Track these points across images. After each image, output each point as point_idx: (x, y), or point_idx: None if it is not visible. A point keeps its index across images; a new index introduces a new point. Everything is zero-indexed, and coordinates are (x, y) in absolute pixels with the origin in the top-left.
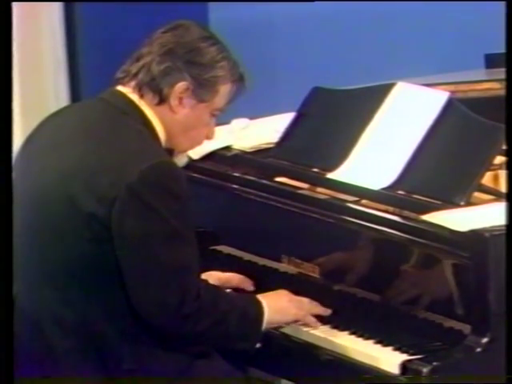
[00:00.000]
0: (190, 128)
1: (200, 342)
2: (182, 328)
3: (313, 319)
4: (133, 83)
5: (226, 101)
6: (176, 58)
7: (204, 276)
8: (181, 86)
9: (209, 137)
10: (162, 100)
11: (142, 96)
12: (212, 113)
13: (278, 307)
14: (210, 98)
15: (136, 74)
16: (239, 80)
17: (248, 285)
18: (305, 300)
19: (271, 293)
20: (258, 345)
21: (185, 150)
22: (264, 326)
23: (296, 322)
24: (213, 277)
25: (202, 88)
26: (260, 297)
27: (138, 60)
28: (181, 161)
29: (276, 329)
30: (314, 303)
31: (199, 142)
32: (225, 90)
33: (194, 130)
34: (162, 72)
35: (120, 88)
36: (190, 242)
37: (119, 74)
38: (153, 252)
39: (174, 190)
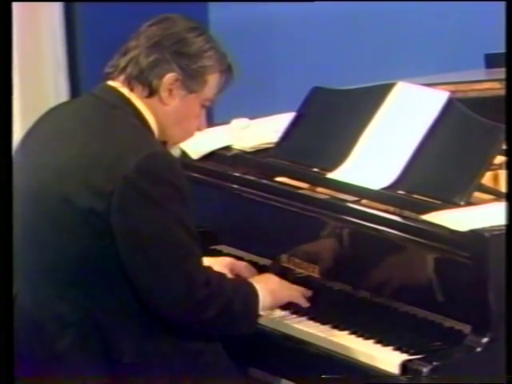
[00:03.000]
0: (182, 119)
1: (207, 330)
2: (192, 316)
3: (303, 299)
4: (122, 77)
5: (216, 91)
6: (163, 50)
7: (216, 260)
8: (170, 77)
9: (200, 128)
10: (151, 92)
11: (131, 89)
12: (202, 103)
13: (270, 290)
14: (199, 88)
15: (124, 68)
16: (227, 70)
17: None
18: (288, 284)
19: (260, 277)
20: (254, 328)
21: (177, 142)
22: (260, 310)
23: (289, 303)
24: (223, 263)
25: (191, 78)
26: (254, 282)
27: (125, 54)
28: (173, 152)
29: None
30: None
31: (191, 134)
32: (213, 80)
33: (185, 121)
34: (150, 64)
35: (110, 83)
36: (190, 228)
37: (108, 69)
38: (154, 241)
39: (170, 179)
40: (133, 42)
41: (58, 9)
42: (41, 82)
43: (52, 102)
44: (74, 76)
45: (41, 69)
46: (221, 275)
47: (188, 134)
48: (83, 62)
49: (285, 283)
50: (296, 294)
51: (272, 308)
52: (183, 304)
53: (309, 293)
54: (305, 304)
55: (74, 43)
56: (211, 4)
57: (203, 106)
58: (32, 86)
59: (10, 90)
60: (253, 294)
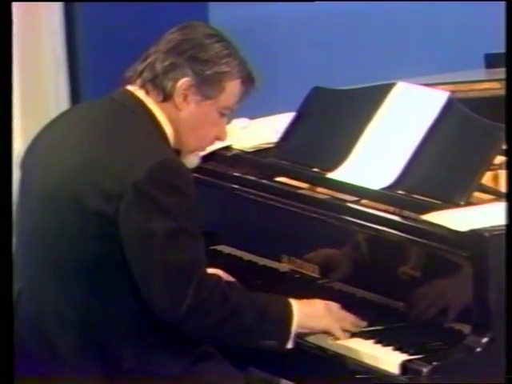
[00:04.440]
0: (197, 126)
1: (216, 338)
2: (190, 320)
3: (342, 333)
4: (139, 81)
5: (235, 99)
6: (179, 55)
7: None
8: (184, 82)
9: (220, 138)
10: (166, 97)
11: (147, 93)
12: (220, 111)
13: (310, 313)
14: (215, 94)
15: (141, 72)
16: (248, 78)
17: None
18: (342, 313)
19: (307, 300)
20: (289, 345)
21: (193, 150)
22: (294, 327)
23: (327, 331)
24: None
25: (207, 84)
26: (293, 301)
27: (145, 59)
28: (192, 161)
29: (306, 335)
30: (350, 316)
31: (209, 142)
32: (232, 87)
33: (201, 129)
34: (164, 68)
35: (128, 87)
36: (196, 236)
37: (128, 74)
38: (158, 247)
39: (180, 187)
40: (153, 47)
41: (57, 9)
42: (41, 82)
43: (52, 102)
44: (74, 76)
45: (41, 69)
46: (229, 284)
47: (205, 143)
48: (83, 62)
49: (330, 310)
50: (335, 325)
51: (310, 331)
52: (180, 308)
53: (350, 325)
54: (342, 336)
55: (74, 43)
56: (211, 4)
57: (222, 115)
58: (32, 86)
59: (10, 89)
60: (280, 308)
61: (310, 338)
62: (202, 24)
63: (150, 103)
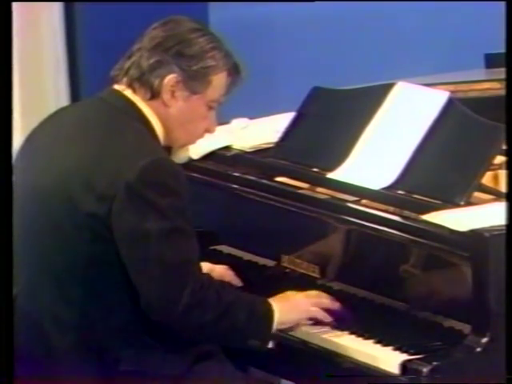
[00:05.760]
0: (186, 121)
1: (208, 337)
2: (186, 320)
3: (324, 314)
4: (125, 80)
5: (222, 92)
6: (164, 52)
7: None
8: (171, 78)
9: (209, 130)
10: (154, 94)
11: (134, 92)
12: (208, 105)
13: (287, 307)
14: (202, 89)
15: (127, 71)
16: (233, 70)
17: (236, 282)
18: (312, 293)
19: (278, 295)
20: (270, 344)
21: (184, 145)
22: (275, 324)
23: (309, 319)
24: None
25: (193, 79)
26: (271, 299)
27: (129, 57)
28: (182, 155)
29: (289, 329)
30: (323, 295)
31: (198, 136)
32: (218, 80)
33: (190, 124)
34: (150, 66)
35: (115, 86)
36: (190, 236)
37: (113, 72)
38: (152, 247)
39: (172, 186)
40: (137, 44)
41: (57, 9)
42: (41, 82)
43: (52, 102)
44: (74, 76)
45: (41, 69)
46: (221, 283)
47: (194, 136)
48: (83, 62)
49: (304, 298)
50: (314, 309)
51: (292, 324)
52: (174, 308)
53: (328, 303)
54: (327, 318)
55: (74, 43)
56: (211, 4)
57: (210, 108)
58: (32, 86)
59: (10, 89)
60: (263, 307)
61: (310, 338)
62: (185, 18)
63: (139, 102)
